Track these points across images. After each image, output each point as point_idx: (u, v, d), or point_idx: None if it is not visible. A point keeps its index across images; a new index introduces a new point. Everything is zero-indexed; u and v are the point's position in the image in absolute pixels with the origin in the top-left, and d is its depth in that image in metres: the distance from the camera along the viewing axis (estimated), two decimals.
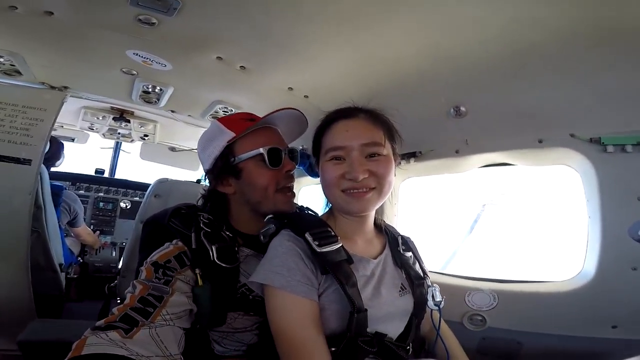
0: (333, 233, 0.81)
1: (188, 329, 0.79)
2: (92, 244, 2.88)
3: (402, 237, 1.01)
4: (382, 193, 0.82)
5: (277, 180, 0.97)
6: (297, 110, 1.00)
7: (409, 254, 0.98)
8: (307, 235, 0.78)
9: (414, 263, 0.98)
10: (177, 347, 0.70)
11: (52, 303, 2.11)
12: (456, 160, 1.52)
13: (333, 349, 0.74)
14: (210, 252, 0.86)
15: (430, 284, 0.95)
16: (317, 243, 0.77)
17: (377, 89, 1.32)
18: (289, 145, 1.05)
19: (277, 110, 0.97)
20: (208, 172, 1.01)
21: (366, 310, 0.75)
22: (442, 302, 0.91)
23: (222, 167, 0.96)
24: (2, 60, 1.52)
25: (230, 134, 0.95)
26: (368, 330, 0.77)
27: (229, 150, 0.96)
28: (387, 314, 0.83)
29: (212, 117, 1.99)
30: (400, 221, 1.78)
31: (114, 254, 2.88)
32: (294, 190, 1.04)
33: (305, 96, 1.59)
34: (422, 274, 0.97)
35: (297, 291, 0.74)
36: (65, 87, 1.79)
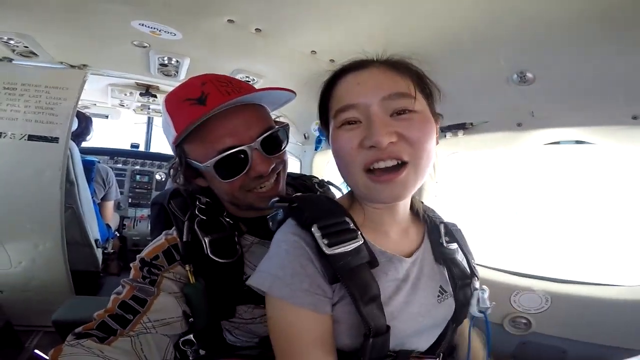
0: (352, 225, 0.61)
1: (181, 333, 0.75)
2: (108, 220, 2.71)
3: (446, 224, 0.79)
4: (420, 168, 0.60)
5: (242, 184, 0.78)
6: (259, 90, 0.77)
7: (454, 245, 0.76)
8: (314, 228, 0.58)
9: (460, 257, 0.77)
10: (159, 356, 0.68)
11: (89, 279, 2.20)
12: (517, 134, 1.25)
13: None
14: (204, 245, 0.75)
15: (477, 286, 0.75)
16: (326, 242, 0.57)
17: (418, 49, 1.08)
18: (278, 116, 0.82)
19: (224, 100, 0.72)
20: (171, 168, 0.83)
21: (387, 331, 0.57)
22: (489, 309, 0.72)
23: (184, 167, 0.80)
24: (13, 42, 1.52)
25: (172, 133, 0.75)
26: (391, 348, 0.59)
27: (181, 150, 0.79)
28: (420, 327, 0.66)
29: None
30: (440, 204, 1.55)
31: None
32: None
33: (332, 60, 1.39)
34: (468, 273, 0.76)
35: (303, 303, 0.56)
36: (85, 65, 1.80)
